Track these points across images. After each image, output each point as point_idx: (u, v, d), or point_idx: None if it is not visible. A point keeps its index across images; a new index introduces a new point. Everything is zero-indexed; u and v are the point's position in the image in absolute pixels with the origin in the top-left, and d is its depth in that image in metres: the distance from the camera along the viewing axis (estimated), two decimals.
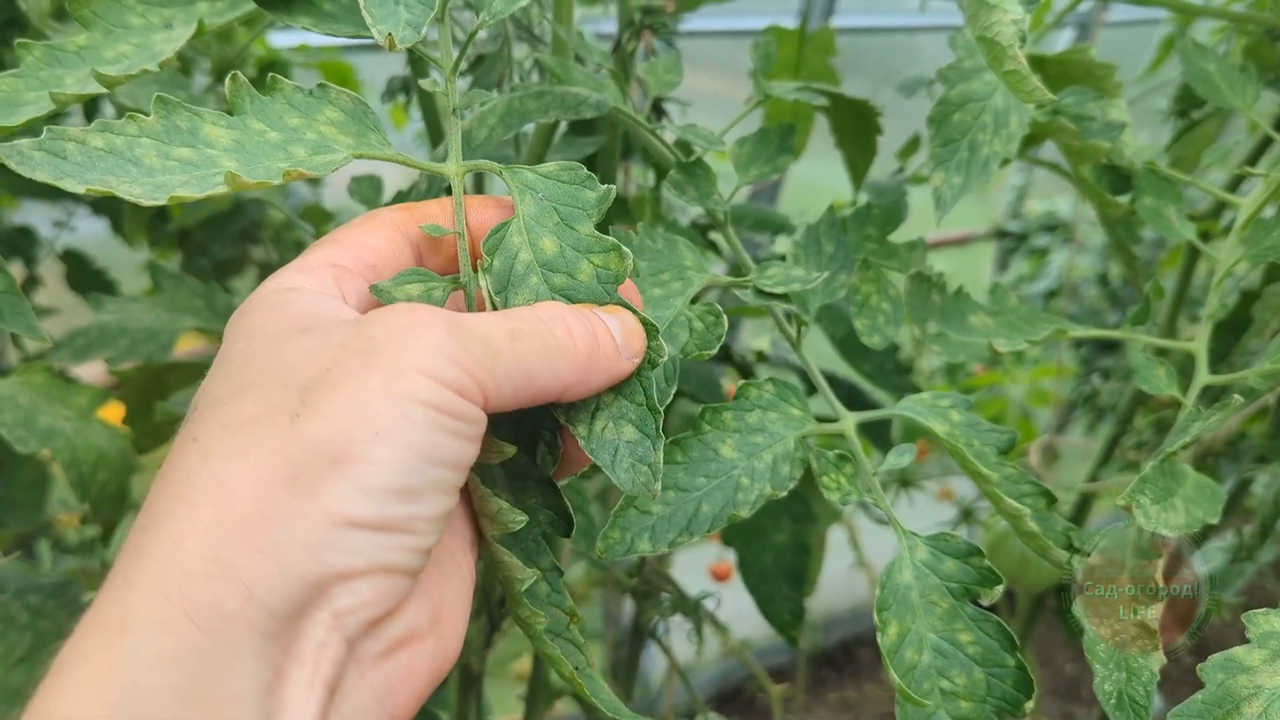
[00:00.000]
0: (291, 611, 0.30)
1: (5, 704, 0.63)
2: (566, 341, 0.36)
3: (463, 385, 0.33)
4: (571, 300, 0.38)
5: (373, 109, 0.40)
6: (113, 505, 0.67)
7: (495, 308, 0.38)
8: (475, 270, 0.39)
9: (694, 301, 0.47)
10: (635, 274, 0.46)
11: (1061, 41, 2.14)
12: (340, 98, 0.39)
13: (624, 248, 0.38)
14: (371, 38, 0.40)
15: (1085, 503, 1.09)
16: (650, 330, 0.38)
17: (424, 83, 0.44)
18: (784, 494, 0.45)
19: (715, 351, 0.44)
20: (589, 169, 0.40)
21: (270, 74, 0.39)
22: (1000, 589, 0.43)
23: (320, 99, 0.39)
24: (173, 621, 0.28)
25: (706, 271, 0.48)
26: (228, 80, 0.38)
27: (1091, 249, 2.02)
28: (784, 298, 0.49)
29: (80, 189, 0.34)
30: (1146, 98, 1.37)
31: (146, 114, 0.36)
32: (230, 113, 0.38)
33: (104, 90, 0.43)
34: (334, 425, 0.31)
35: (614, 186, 0.39)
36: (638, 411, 0.38)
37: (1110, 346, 1.80)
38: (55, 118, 0.44)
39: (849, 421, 0.49)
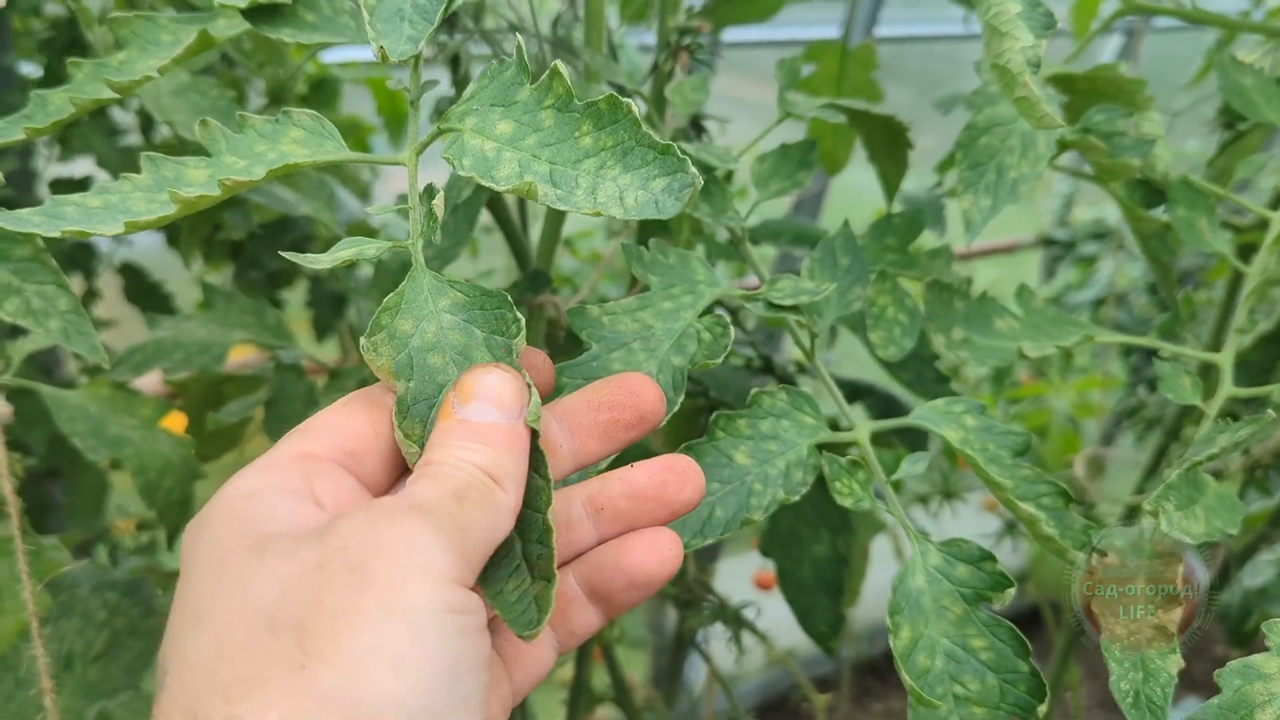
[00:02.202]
0: None
1: (84, 700, 0.66)
2: (483, 479, 0.34)
3: (457, 572, 0.32)
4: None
5: (330, 126, 0.42)
6: (177, 510, 0.70)
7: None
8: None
9: (705, 314, 0.48)
10: (646, 288, 0.48)
11: (1109, 47, 2.12)
12: (302, 119, 0.42)
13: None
14: (344, 44, 0.45)
15: (1132, 514, 1.08)
16: (522, 375, 0.37)
17: (390, 83, 0.46)
18: (796, 499, 0.47)
19: (719, 361, 0.46)
20: None
21: (240, 114, 0.42)
22: (1012, 593, 0.44)
23: (285, 123, 0.42)
24: None
25: (718, 285, 0.50)
26: (197, 127, 0.41)
27: (1140, 257, 1.99)
28: (794, 310, 0.50)
29: (56, 233, 0.37)
30: (1197, 106, 1.36)
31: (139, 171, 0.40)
32: (209, 154, 0.41)
33: (116, 96, 0.47)
34: (347, 669, 0.28)
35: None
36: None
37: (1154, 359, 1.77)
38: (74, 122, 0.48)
39: (863, 430, 0.50)
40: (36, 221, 0.37)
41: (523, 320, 0.38)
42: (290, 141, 0.41)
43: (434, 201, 0.39)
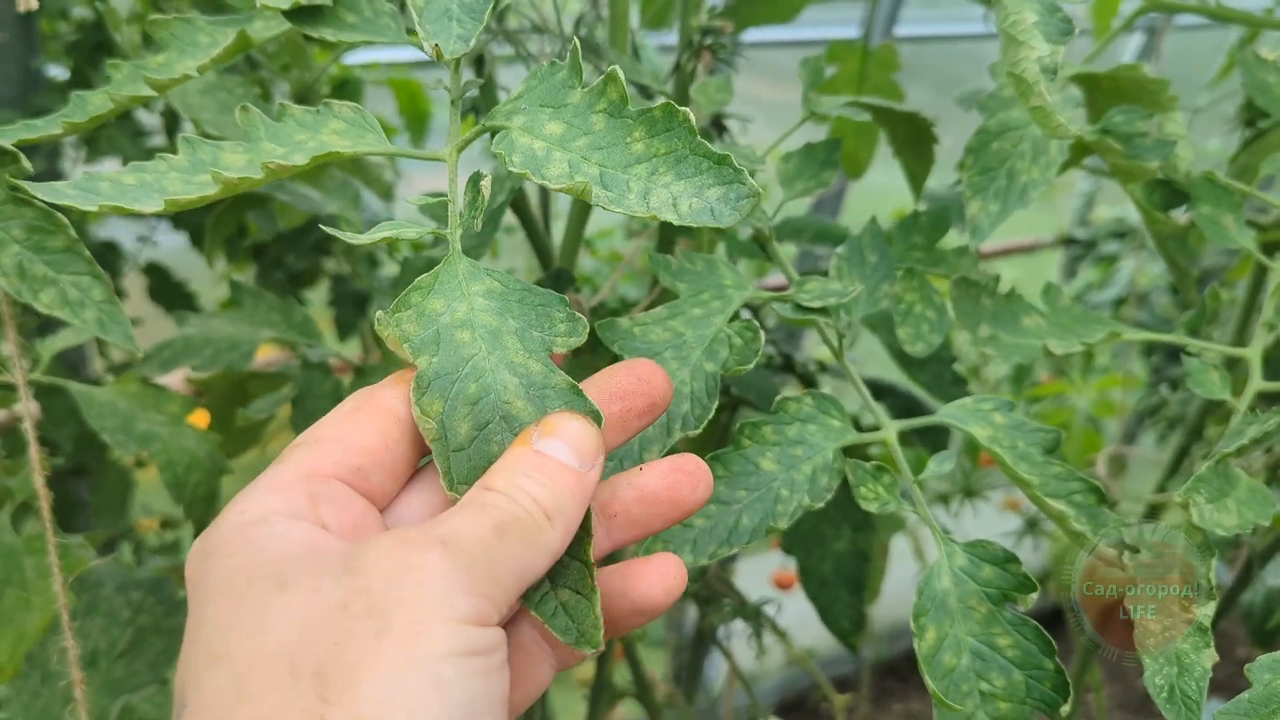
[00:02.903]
0: None
1: (108, 696, 0.66)
2: (538, 514, 0.34)
3: (481, 613, 0.31)
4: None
5: (371, 117, 0.42)
6: (204, 505, 0.71)
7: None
8: None
9: (734, 319, 0.49)
10: (675, 295, 0.49)
11: (1131, 45, 2.10)
12: (343, 110, 0.42)
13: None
14: (384, 45, 0.45)
15: (1154, 513, 1.07)
16: (597, 417, 0.37)
17: (429, 81, 0.47)
18: (821, 505, 0.47)
19: (750, 366, 0.46)
20: None
21: (281, 102, 0.42)
22: (1035, 596, 0.44)
23: (326, 114, 0.42)
24: None
25: (746, 289, 0.50)
26: (238, 112, 0.41)
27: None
28: (823, 311, 0.50)
29: (93, 207, 0.38)
30: (1218, 104, 1.35)
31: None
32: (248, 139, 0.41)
33: (154, 94, 0.48)
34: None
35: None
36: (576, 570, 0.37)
37: (1181, 355, 1.77)
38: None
39: (891, 430, 0.50)
40: (71, 195, 0.38)
41: (581, 324, 0.38)
42: (331, 132, 0.41)
43: (482, 183, 0.39)
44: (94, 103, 0.48)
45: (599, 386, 0.40)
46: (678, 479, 0.40)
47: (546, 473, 0.35)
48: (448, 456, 0.36)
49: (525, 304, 0.39)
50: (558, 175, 0.38)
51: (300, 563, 0.32)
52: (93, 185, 0.39)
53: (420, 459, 0.38)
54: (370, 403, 0.37)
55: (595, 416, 0.37)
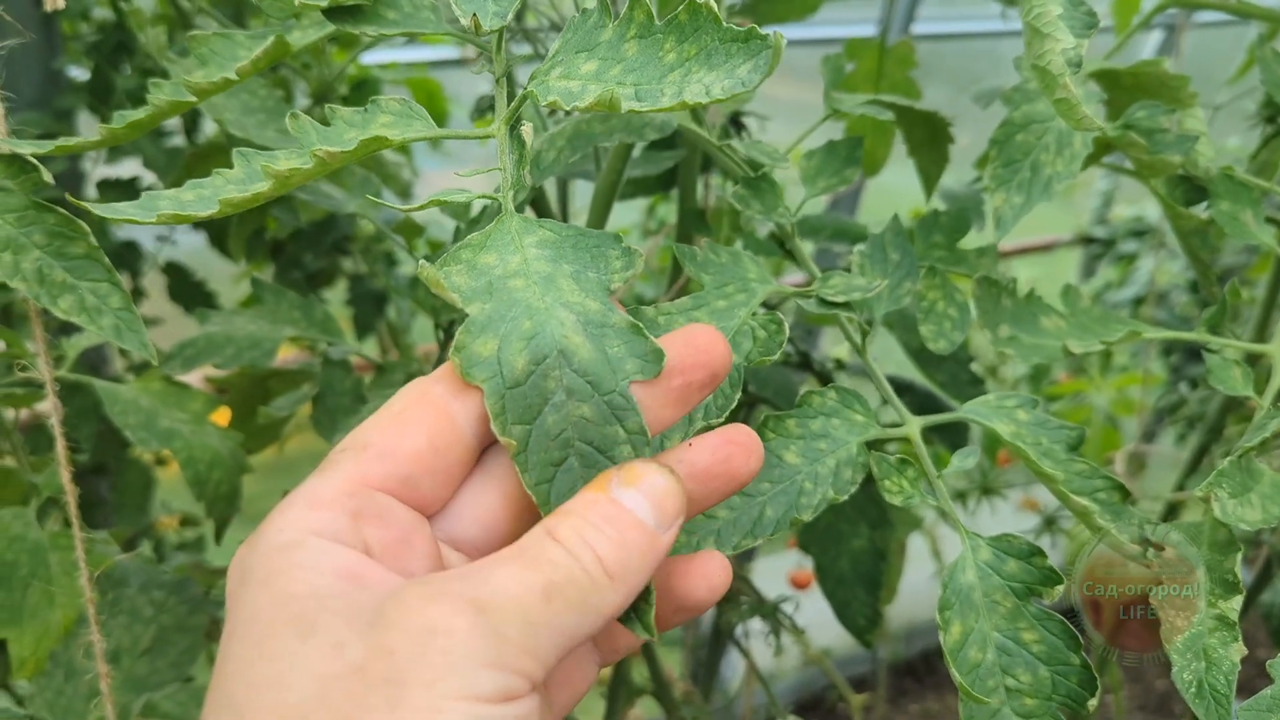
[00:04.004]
0: None
1: (131, 693, 0.67)
2: (599, 574, 0.31)
3: (507, 689, 0.29)
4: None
5: (419, 107, 0.42)
6: (226, 503, 0.71)
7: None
8: None
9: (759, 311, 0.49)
10: (699, 288, 0.49)
11: (1150, 42, 2.10)
12: (390, 104, 0.42)
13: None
14: (420, 35, 0.45)
15: (1172, 512, 1.07)
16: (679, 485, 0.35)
17: (471, 68, 0.47)
18: (844, 498, 0.47)
19: (776, 357, 0.46)
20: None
21: (327, 105, 0.42)
22: (1061, 589, 0.44)
23: (374, 111, 0.42)
24: None
25: (769, 283, 0.50)
26: (288, 120, 0.41)
27: (1180, 255, 1.97)
28: (846, 306, 0.50)
29: (151, 219, 0.38)
30: (1237, 101, 1.34)
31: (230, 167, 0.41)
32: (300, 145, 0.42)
33: (194, 99, 0.48)
34: None
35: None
36: None
37: (1200, 354, 1.76)
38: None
39: (914, 425, 0.50)
40: (132, 211, 0.38)
41: (636, 256, 0.37)
42: (380, 126, 0.41)
43: (522, 128, 0.39)
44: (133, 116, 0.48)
45: None
46: (731, 451, 0.38)
47: (618, 527, 0.32)
48: (502, 395, 0.34)
49: (580, 248, 0.38)
50: (590, 98, 0.37)
51: (327, 606, 0.30)
52: (152, 204, 0.39)
53: (473, 460, 0.37)
54: (421, 400, 0.35)
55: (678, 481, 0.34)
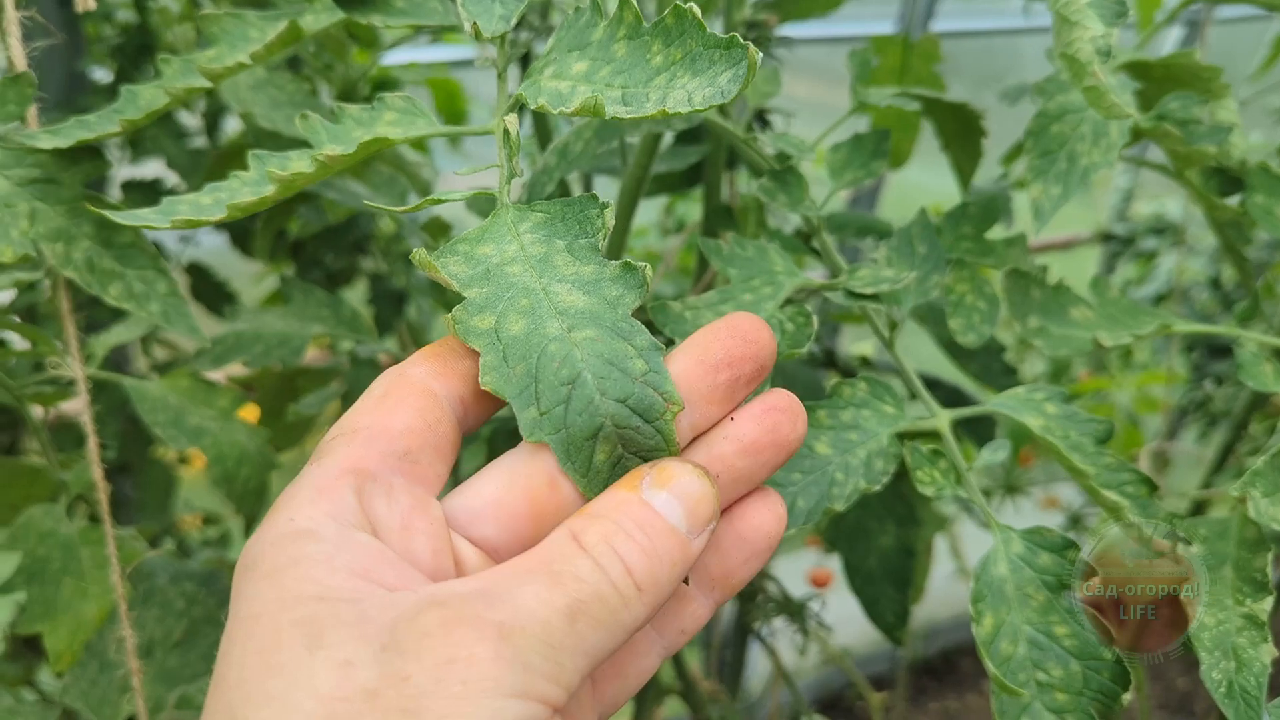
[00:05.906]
0: None
1: (164, 686, 0.67)
2: (627, 587, 0.30)
3: (531, 717, 0.28)
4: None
5: (423, 103, 0.44)
6: (254, 499, 0.72)
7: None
8: None
9: (785, 305, 0.49)
10: (710, 285, 0.49)
11: (1171, 39, 2.08)
12: (395, 102, 0.44)
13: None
14: (435, 25, 0.46)
15: (1198, 510, 1.06)
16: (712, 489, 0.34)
17: (477, 61, 0.47)
18: (878, 488, 0.47)
19: (805, 350, 0.46)
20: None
21: (337, 103, 0.43)
22: (1096, 581, 0.44)
23: (380, 108, 0.44)
24: None
25: (797, 276, 0.50)
26: (298, 120, 0.42)
27: (1202, 251, 1.96)
28: (874, 298, 0.50)
29: (167, 224, 0.40)
30: (1261, 96, 1.33)
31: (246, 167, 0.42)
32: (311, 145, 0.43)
33: (208, 84, 0.49)
34: None
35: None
36: None
37: (1223, 351, 1.75)
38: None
39: (944, 418, 0.50)
40: (151, 217, 0.39)
41: (609, 212, 0.37)
42: (385, 124, 0.42)
43: (507, 120, 0.40)
44: (145, 96, 0.49)
45: (699, 352, 0.36)
46: (777, 419, 0.36)
47: (650, 534, 0.31)
48: (501, 349, 0.34)
49: (568, 219, 0.38)
50: (576, 103, 0.38)
51: (338, 614, 0.28)
52: (171, 208, 0.40)
53: (462, 439, 0.36)
54: (402, 383, 0.35)
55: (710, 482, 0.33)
